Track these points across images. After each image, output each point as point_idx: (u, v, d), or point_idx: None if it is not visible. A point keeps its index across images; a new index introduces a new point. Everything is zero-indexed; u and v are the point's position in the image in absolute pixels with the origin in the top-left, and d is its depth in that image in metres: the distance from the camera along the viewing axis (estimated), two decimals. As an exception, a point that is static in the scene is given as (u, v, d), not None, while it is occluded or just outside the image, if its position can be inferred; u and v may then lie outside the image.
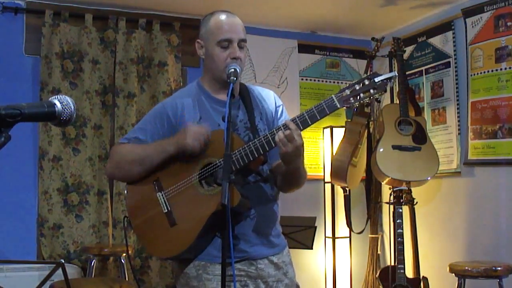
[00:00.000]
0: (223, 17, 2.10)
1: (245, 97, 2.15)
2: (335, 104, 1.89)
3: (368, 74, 1.92)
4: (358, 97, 1.89)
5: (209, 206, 1.97)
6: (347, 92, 1.90)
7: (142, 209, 2.10)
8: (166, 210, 2.05)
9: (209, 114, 2.09)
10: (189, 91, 2.18)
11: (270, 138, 1.94)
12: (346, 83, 5.09)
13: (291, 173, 2.04)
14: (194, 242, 2.00)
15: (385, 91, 1.89)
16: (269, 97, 2.23)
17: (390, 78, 1.88)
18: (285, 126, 1.90)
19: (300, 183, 2.12)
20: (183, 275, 2.09)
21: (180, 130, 2.04)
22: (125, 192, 2.20)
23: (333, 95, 1.91)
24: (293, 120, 1.93)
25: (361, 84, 1.89)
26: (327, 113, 1.91)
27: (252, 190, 2.04)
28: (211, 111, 2.10)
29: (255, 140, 1.97)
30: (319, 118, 1.91)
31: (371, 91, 1.88)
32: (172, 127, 2.09)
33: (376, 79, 1.88)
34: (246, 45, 2.13)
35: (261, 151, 1.95)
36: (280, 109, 2.22)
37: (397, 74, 2.01)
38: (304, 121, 1.91)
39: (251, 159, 1.96)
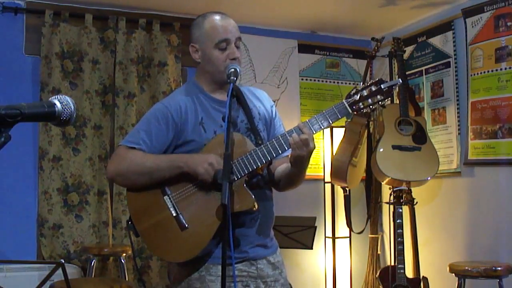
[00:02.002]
0: (216, 18, 2.10)
1: (240, 98, 2.16)
2: (347, 109, 1.96)
3: (374, 80, 1.99)
4: (366, 102, 1.96)
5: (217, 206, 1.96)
6: (356, 97, 1.96)
7: (148, 213, 2.06)
8: (175, 214, 2.02)
9: (210, 115, 2.10)
10: (187, 91, 2.16)
11: (283, 141, 1.97)
12: (346, 83, 5.09)
13: (296, 175, 2.09)
14: (208, 245, 2.01)
15: (391, 97, 1.99)
16: (263, 96, 2.26)
17: (395, 85, 1.97)
18: (299, 130, 1.94)
19: (299, 184, 2.17)
20: (184, 278, 2.08)
21: (200, 154, 2.01)
22: (126, 195, 2.14)
23: (343, 100, 1.97)
24: (305, 124, 1.96)
25: (368, 90, 1.97)
26: (339, 117, 1.97)
27: (255, 191, 2.05)
28: (212, 111, 2.11)
29: (267, 143, 1.99)
30: (330, 122, 1.97)
31: (378, 97, 1.96)
32: (175, 128, 2.07)
33: (383, 86, 1.95)
34: (244, 46, 2.14)
35: (273, 154, 1.98)
36: (274, 109, 2.27)
37: (401, 81, 2.10)
38: (316, 125, 1.96)
39: (264, 162, 1.98)
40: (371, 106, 1.96)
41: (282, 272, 2.17)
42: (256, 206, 1.99)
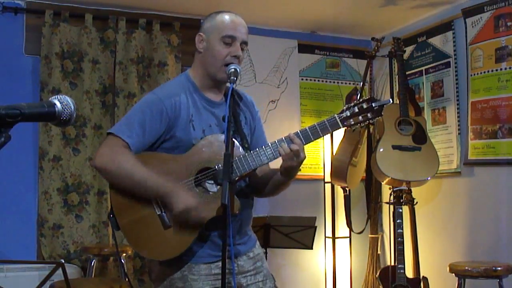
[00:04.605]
0: (231, 15, 2.14)
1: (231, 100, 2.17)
2: (338, 124, 2.04)
3: (366, 97, 2.08)
4: (357, 119, 2.04)
5: (207, 211, 1.97)
6: (348, 113, 2.04)
7: (131, 209, 2.03)
8: (159, 212, 2.02)
9: (200, 114, 2.10)
10: (181, 86, 2.13)
11: (273, 150, 2.01)
12: (346, 83, 5.09)
13: (284, 184, 2.15)
14: (190, 245, 2.01)
15: (381, 115, 2.07)
16: (248, 101, 2.29)
17: (386, 104, 2.08)
18: (289, 140, 1.99)
19: (280, 192, 2.23)
20: (166, 277, 2.08)
21: (185, 191, 1.98)
22: (110, 188, 2.08)
23: (335, 115, 2.04)
24: (296, 134, 2.00)
25: (359, 107, 2.04)
26: (330, 131, 2.05)
27: (237, 194, 2.07)
28: (202, 110, 2.11)
29: (257, 149, 2.02)
30: (321, 135, 2.05)
31: (369, 115, 2.04)
32: (168, 122, 2.06)
33: (374, 104, 2.04)
34: (247, 49, 2.16)
35: (263, 162, 2.02)
36: (258, 115, 2.31)
37: (391, 101, 2.23)
38: (307, 137, 2.02)
39: (252, 168, 2.01)
40: (361, 124, 2.05)
41: (263, 264, 2.22)
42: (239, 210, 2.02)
